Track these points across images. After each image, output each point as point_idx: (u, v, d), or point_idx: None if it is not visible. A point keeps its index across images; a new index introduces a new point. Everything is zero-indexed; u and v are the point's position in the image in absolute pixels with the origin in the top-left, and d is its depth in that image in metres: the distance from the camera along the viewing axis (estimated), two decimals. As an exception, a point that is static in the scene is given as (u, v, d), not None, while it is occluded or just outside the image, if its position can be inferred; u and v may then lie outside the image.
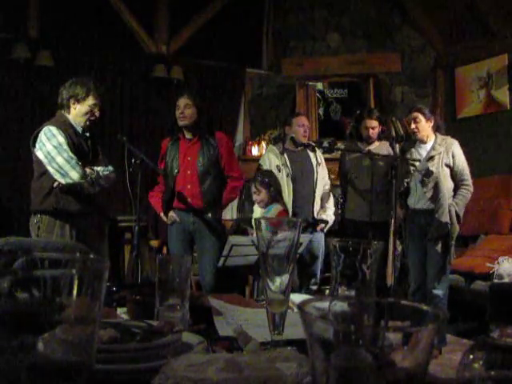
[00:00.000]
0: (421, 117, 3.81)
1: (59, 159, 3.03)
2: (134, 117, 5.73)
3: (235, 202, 5.92)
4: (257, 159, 5.43)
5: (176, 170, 3.70)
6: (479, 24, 5.52)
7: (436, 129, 3.89)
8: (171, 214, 3.74)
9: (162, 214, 3.78)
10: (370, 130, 4.25)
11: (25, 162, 4.79)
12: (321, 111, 6.41)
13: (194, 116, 3.65)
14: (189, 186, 3.67)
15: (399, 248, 4.55)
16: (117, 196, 4.90)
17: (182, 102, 3.67)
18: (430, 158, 3.77)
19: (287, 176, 4.09)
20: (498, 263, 4.37)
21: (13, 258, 0.48)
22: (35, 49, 5.16)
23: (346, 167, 4.36)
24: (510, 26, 5.33)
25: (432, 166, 3.75)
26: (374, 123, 4.27)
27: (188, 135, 3.73)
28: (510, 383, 0.54)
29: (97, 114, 3.24)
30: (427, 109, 3.93)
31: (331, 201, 4.30)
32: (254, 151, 6.11)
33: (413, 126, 3.83)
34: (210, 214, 3.69)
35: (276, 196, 3.83)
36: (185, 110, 3.64)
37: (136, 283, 3.43)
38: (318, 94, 6.40)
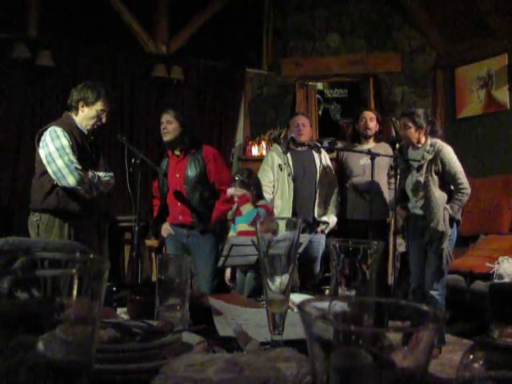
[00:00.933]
0: (410, 124, 3.75)
1: (59, 162, 3.04)
2: (134, 117, 5.73)
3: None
4: (257, 159, 5.44)
5: (166, 188, 3.73)
6: (479, 24, 5.52)
7: (430, 132, 3.81)
8: (165, 226, 3.77)
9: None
10: (368, 121, 4.24)
11: (25, 162, 4.80)
12: (321, 111, 6.41)
13: (177, 131, 3.68)
14: (179, 204, 3.70)
15: (400, 248, 4.55)
16: (117, 196, 4.91)
17: (165, 117, 3.72)
18: (419, 168, 3.75)
19: (288, 175, 4.09)
20: (498, 263, 4.37)
21: (13, 258, 0.48)
22: (35, 49, 5.16)
23: (346, 167, 4.36)
24: (510, 25, 5.33)
25: (420, 176, 3.73)
26: (372, 114, 4.29)
27: (176, 152, 3.77)
28: (510, 383, 0.54)
29: (104, 120, 3.26)
30: (422, 115, 3.78)
31: (334, 203, 4.29)
32: (254, 151, 6.11)
33: (401, 132, 3.83)
34: (202, 228, 3.70)
35: (260, 194, 3.78)
36: (167, 125, 3.69)
37: (136, 283, 3.43)
38: (317, 94, 6.40)
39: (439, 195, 3.71)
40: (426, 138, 3.80)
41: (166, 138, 3.70)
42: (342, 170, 4.43)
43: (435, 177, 3.73)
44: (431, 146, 3.75)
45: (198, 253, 3.73)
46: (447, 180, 3.75)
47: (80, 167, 3.07)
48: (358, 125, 4.36)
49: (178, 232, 3.76)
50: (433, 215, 3.67)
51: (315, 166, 4.19)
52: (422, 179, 3.71)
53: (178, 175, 3.72)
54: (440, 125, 5.19)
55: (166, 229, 3.80)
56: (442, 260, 3.70)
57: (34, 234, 3.14)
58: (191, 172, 3.68)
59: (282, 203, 4.08)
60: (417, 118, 3.74)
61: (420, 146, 3.80)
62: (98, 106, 3.21)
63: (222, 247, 3.64)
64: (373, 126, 4.27)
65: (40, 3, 5.30)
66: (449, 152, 3.75)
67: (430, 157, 3.72)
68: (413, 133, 3.76)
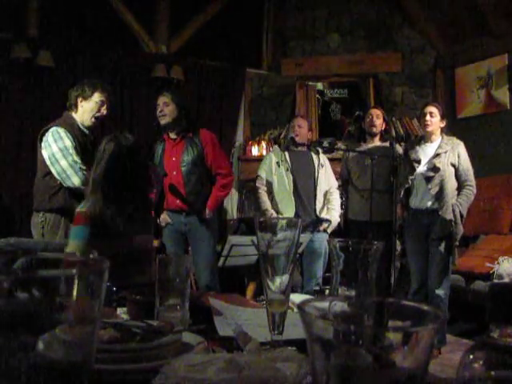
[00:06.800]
0: (436, 112, 3.85)
1: (63, 163, 3.05)
2: (134, 117, 5.73)
3: (235, 203, 5.93)
4: (257, 159, 5.44)
5: (162, 172, 3.70)
6: (479, 24, 5.52)
7: (445, 131, 3.93)
8: (163, 216, 3.75)
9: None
10: (374, 118, 4.24)
11: (25, 162, 4.80)
12: (321, 111, 6.40)
13: (174, 113, 3.64)
14: (176, 188, 3.66)
15: (398, 248, 4.55)
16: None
17: (161, 100, 3.67)
18: (437, 155, 3.79)
19: (286, 170, 4.17)
20: (498, 263, 4.37)
21: (13, 258, 0.48)
22: (35, 49, 5.16)
23: (349, 167, 4.36)
24: (510, 26, 5.33)
25: (439, 163, 3.76)
26: (378, 112, 4.29)
27: (172, 135, 3.72)
28: (510, 383, 0.54)
29: (104, 111, 3.26)
30: (443, 109, 3.96)
31: (337, 202, 4.30)
32: (254, 151, 6.11)
33: (427, 118, 3.83)
34: (198, 214, 3.67)
35: None
36: (164, 107, 3.64)
37: (136, 283, 3.43)
38: (317, 94, 6.40)
39: (452, 187, 3.74)
40: (442, 135, 3.89)
41: (163, 121, 3.65)
42: (344, 171, 4.43)
43: (451, 168, 3.76)
44: (449, 139, 3.86)
45: (195, 241, 3.71)
46: (458, 175, 3.78)
47: (84, 167, 3.08)
48: (363, 122, 4.36)
49: (175, 219, 3.72)
50: (444, 203, 3.70)
51: (313, 164, 4.24)
52: (440, 165, 3.74)
53: (174, 159, 3.68)
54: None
55: (163, 218, 3.76)
56: (449, 258, 3.71)
57: (38, 235, 3.13)
58: (188, 155, 3.64)
59: (283, 197, 4.14)
60: (441, 109, 3.90)
61: (435, 139, 3.86)
62: (96, 97, 3.22)
63: (223, 246, 3.63)
64: (379, 123, 4.25)
65: (40, 3, 5.29)
66: (464, 148, 3.85)
67: (447, 147, 3.79)
68: (438, 122, 3.85)
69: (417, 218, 3.86)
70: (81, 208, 2.12)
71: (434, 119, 3.83)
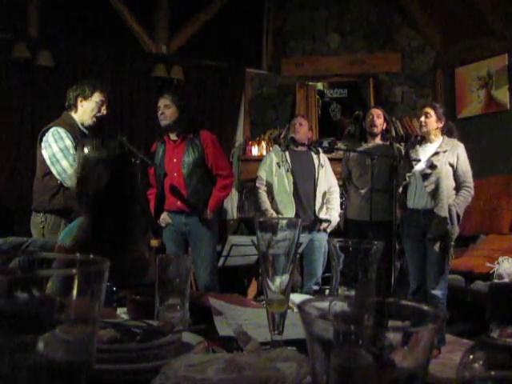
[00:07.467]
0: (432, 113, 3.82)
1: (64, 163, 3.05)
2: (134, 117, 5.73)
3: (235, 203, 5.93)
4: (257, 159, 5.44)
5: (163, 173, 3.71)
6: (479, 24, 5.52)
7: (446, 132, 3.88)
8: (163, 216, 3.75)
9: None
10: (375, 118, 4.24)
11: (25, 162, 4.80)
12: (321, 111, 6.40)
13: (175, 115, 3.66)
14: (176, 189, 3.68)
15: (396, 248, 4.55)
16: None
17: (162, 102, 3.69)
18: (436, 154, 3.79)
19: (287, 171, 4.17)
20: (498, 263, 4.37)
21: (12, 258, 0.48)
22: (35, 49, 5.16)
23: (349, 167, 4.37)
24: (510, 25, 5.32)
25: (436, 161, 3.76)
26: (379, 111, 4.29)
27: (173, 136, 3.73)
28: (510, 383, 0.54)
29: (104, 111, 3.27)
30: (442, 109, 3.90)
31: (336, 202, 4.31)
32: (254, 151, 6.10)
33: (422, 118, 3.84)
34: (199, 215, 3.68)
35: None
36: (165, 109, 3.66)
37: (136, 283, 3.42)
38: (317, 94, 6.39)
39: (448, 186, 3.74)
40: (442, 135, 3.86)
41: (164, 122, 3.67)
42: (345, 170, 4.42)
43: (449, 168, 3.76)
44: (450, 140, 3.84)
45: (196, 242, 3.71)
46: (456, 176, 3.78)
47: None
48: (364, 122, 4.36)
49: (176, 220, 3.73)
50: (438, 201, 3.70)
51: (313, 164, 4.25)
52: (438, 164, 3.74)
53: (175, 160, 3.69)
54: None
55: (163, 218, 3.77)
56: (445, 258, 3.71)
57: (38, 235, 3.13)
58: (189, 156, 3.66)
59: (284, 198, 4.15)
60: (438, 109, 3.85)
61: (435, 140, 3.84)
62: (96, 97, 3.23)
63: (223, 246, 3.64)
64: (380, 123, 4.25)
65: (40, 3, 5.29)
66: (464, 150, 3.84)
67: (447, 147, 3.78)
68: (433, 122, 3.82)
69: (413, 217, 3.86)
70: (61, 239, 1.88)
71: (429, 120, 3.82)
